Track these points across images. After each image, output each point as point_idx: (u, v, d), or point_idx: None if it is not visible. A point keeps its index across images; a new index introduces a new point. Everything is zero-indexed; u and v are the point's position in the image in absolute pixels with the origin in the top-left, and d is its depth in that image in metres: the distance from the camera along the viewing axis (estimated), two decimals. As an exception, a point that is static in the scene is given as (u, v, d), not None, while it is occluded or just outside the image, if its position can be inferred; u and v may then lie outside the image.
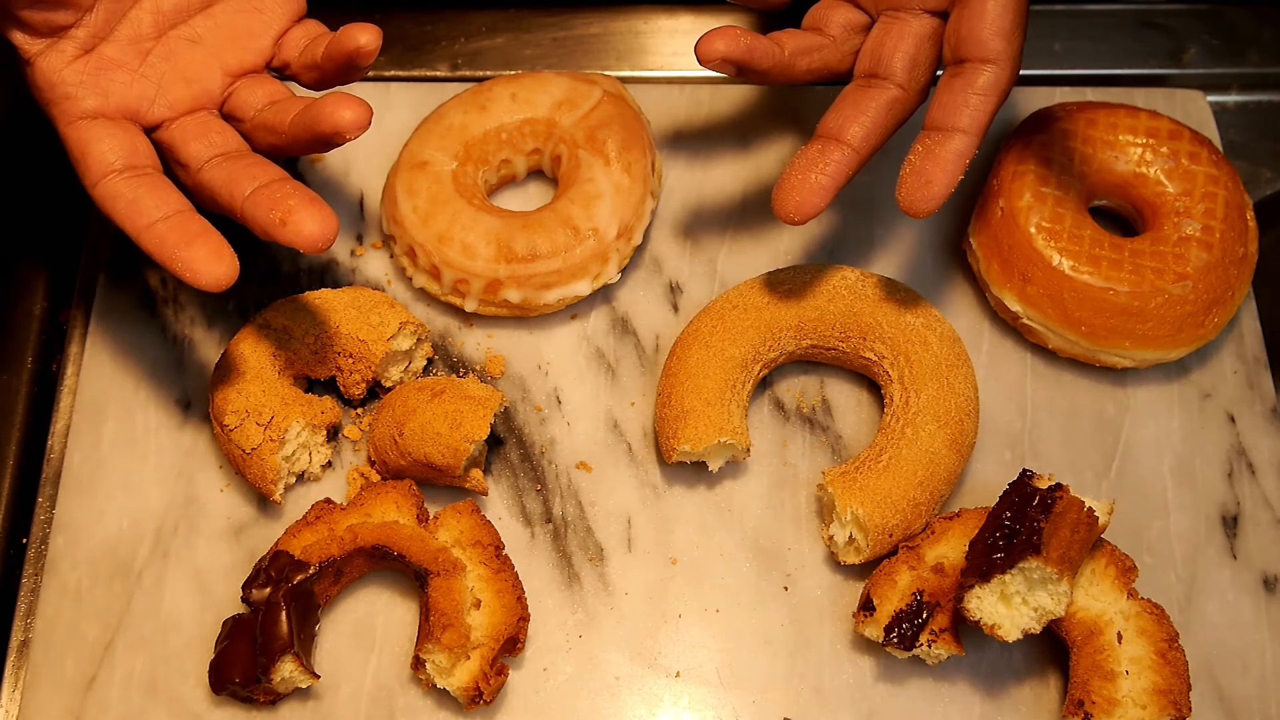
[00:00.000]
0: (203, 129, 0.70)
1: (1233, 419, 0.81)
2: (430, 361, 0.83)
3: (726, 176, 0.89)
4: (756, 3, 0.79)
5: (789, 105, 0.92)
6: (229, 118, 0.72)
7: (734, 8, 0.98)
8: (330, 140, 0.67)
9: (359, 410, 0.81)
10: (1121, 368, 0.81)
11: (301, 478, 0.78)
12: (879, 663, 0.74)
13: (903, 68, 0.73)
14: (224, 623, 0.71)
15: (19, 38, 0.67)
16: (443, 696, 0.72)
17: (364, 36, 0.68)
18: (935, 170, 0.70)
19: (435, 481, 0.76)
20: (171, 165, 0.70)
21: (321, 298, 0.79)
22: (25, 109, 0.90)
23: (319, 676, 0.71)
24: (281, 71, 0.74)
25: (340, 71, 0.70)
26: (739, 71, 0.73)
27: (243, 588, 0.70)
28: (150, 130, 0.70)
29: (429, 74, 0.95)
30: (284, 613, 0.69)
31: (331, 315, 0.77)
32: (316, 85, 0.73)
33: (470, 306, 0.82)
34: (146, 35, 0.70)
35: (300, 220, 0.64)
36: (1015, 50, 0.71)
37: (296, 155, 0.71)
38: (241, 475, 0.76)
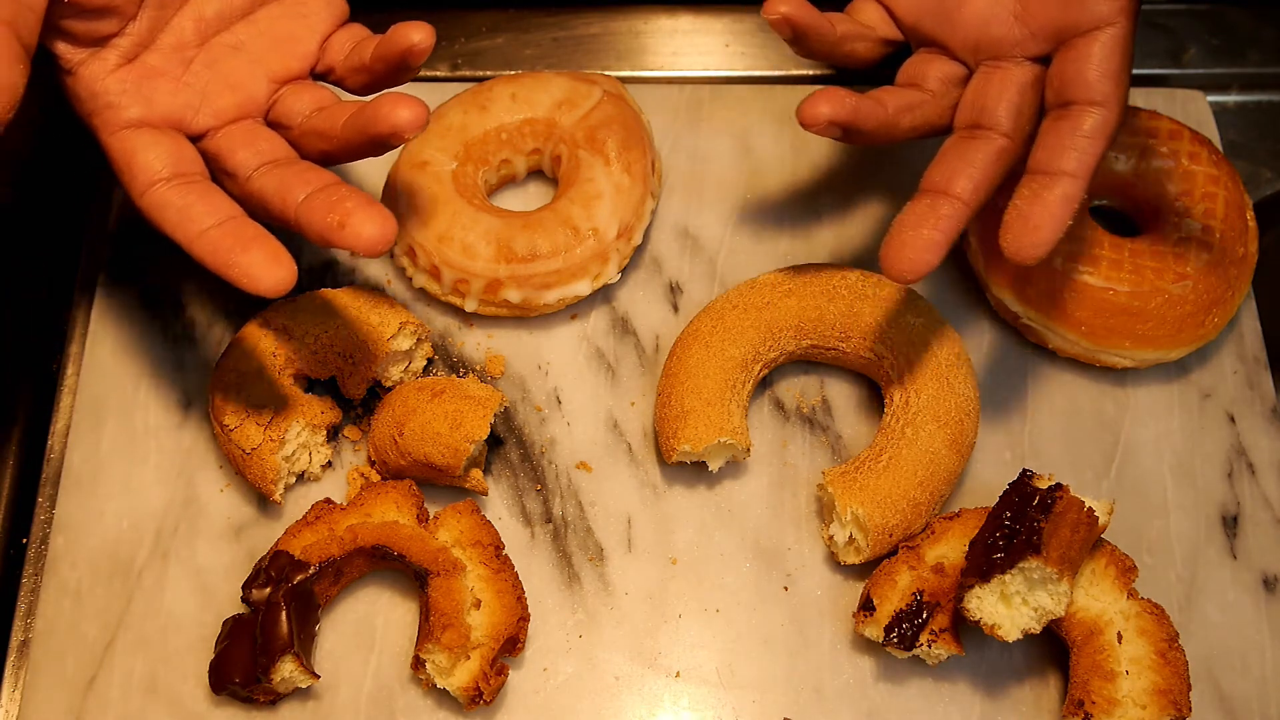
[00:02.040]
0: (249, 137, 0.69)
1: (1233, 419, 0.81)
2: (430, 361, 0.83)
3: (726, 176, 0.89)
4: (844, 62, 0.77)
5: (789, 106, 0.92)
6: (274, 125, 0.71)
7: (735, 9, 0.98)
8: (387, 141, 0.65)
9: (359, 410, 0.81)
10: (1121, 368, 0.81)
11: (301, 478, 0.78)
12: (879, 663, 0.74)
13: (1008, 116, 0.71)
14: (224, 623, 0.71)
15: (61, 47, 0.66)
16: (443, 696, 0.72)
17: (417, 35, 0.66)
18: (1043, 215, 0.67)
19: (435, 481, 0.76)
20: (218, 176, 0.69)
21: (321, 298, 0.79)
22: (25, 109, 0.90)
23: (319, 676, 0.71)
24: (325, 77, 0.73)
25: (391, 72, 0.69)
26: (844, 134, 0.71)
27: (243, 588, 0.70)
28: (195, 140, 0.69)
29: (429, 74, 0.95)
30: (284, 613, 0.69)
31: (331, 315, 0.77)
32: (365, 88, 0.71)
33: (470, 306, 0.82)
34: (189, 43, 0.69)
35: (359, 223, 0.62)
36: (1123, 93, 0.69)
37: (348, 160, 0.69)
38: (241, 475, 0.76)
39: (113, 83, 0.66)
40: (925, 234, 0.68)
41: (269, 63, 0.70)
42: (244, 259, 0.62)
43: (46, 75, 0.91)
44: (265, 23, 0.71)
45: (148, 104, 0.67)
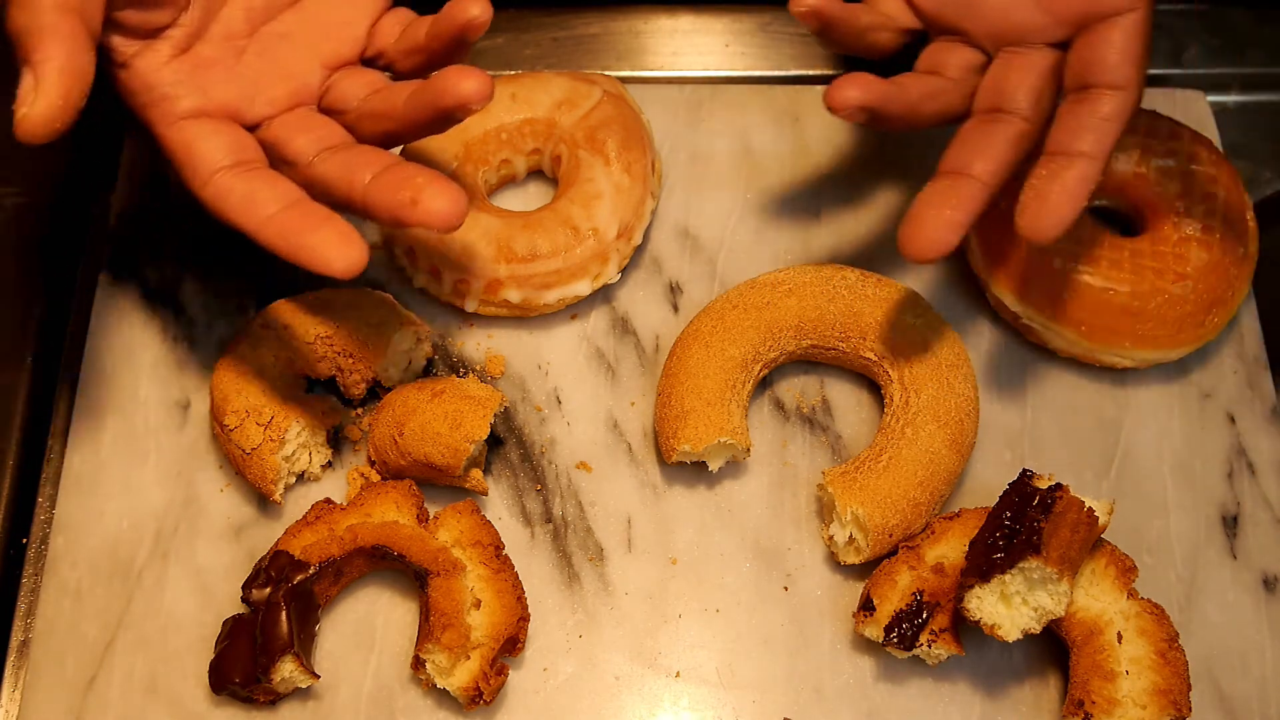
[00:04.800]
0: (306, 124, 0.68)
1: (1233, 419, 0.81)
2: (430, 361, 0.83)
3: (726, 177, 0.89)
4: (866, 53, 0.77)
5: (789, 106, 0.92)
6: (329, 111, 0.70)
7: (735, 9, 0.98)
8: (454, 115, 0.65)
9: (359, 410, 0.81)
10: (1121, 368, 0.81)
11: (301, 478, 0.78)
12: (879, 663, 0.74)
13: (1028, 101, 0.71)
14: (224, 623, 0.71)
15: (115, 40, 0.65)
16: (443, 696, 0.72)
17: (475, 8, 0.65)
18: (1060, 195, 0.68)
19: (435, 481, 0.76)
20: (277, 165, 0.68)
21: (321, 298, 0.79)
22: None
23: (319, 676, 0.71)
24: (374, 61, 0.72)
25: (448, 50, 0.68)
26: (870, 118, 0.71)
27: (243, 588, 0.70)
28: (251, 129, 0.68)
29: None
30: (284, 613, 0.69)
31: (331, 315, 0.77)
32: (418, 70, 0.71)
33: (470, 306, 0.82)
34: (239, 33, 0.69)
35: (430, 198, 0.62)
36: (1142, 77, 0.70)
37: (410, 140, 0.69)
38: (241, 475, 0.76)
39: (167, 74, 0.66)
40: (946, 214, 0.69)
41: (320, 49, 0.70)
42: (314, 240, 0.62)
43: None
44: (312, 10, 0.71)
45: (203, 94, 0.67)
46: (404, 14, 0.72)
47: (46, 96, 0.58)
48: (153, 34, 0.66)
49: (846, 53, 0.77)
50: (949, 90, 0.74)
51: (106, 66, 0.68)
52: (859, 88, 0.70)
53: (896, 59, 0.79)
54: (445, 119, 0.66)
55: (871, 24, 0.76)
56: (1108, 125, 0.69)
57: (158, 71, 0.66)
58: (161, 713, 0.72)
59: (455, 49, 0.68)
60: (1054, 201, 0.68)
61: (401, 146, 0.78)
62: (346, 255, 0.62)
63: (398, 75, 0.72)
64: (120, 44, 0.66)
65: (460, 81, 0.64)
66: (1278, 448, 0.81)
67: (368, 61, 0.73)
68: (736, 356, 0.77)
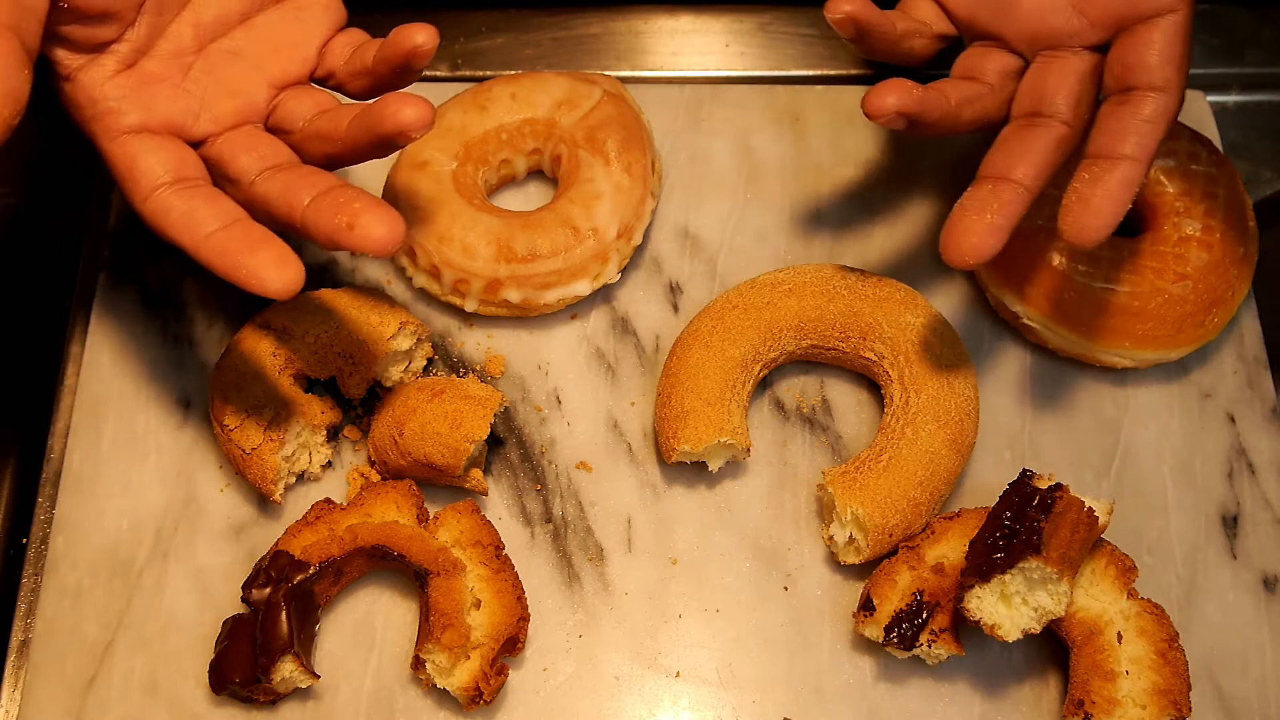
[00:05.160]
0: (251, 142, 0.68)
1: (1233, 419, 0.81)
2: (430, 361, 0.83)
3: (726, 176, 0.89)
4: (903, 60, 0.77)
5: (789, 106, 0.92)
6: (275, 130, 0.70)
7: (735, 9, 0.98)
8: (393, 141, 0.65)
9: (359, 410, 0.81)
10: (1121, 368, 0.81)
11: (301, 478, 0.78)
12: (879, 663, 0.74)
13: (1067, 105, 0.71)
14: (224, 623, 0.71)
15: (59, 54, 0.65)
16: (443, 696, 0.72)
17: (420, 36, 0.66)
18: (1103, 199, 0.67)
19: (435, 481, 0.76)
20: (220, 182, 0.68)
21: (321, 298, 0.79)
22: (27, 112, 0.90)
23: (319, 676, 0.71)
24: (325, 82, 0.72)
25: (395, 75, 0.68)
26: (909, 125, 0.71)
27: (243, 588, 0.70)
28: (195, 146, 0.68)
29: (429, 74, 0.95)
30: (284, 613, 0.69)
31: (331, 315, 0.77)
32: (367, 92, 0.71)
33: (470, 306, 0.82)
34: (187, 49, 0.68)
35: (367, 224, 0.62)
36: (1183, 79, 0.70)
37: (353, 163, 0.69)
38: (241, 475, 0.76)
39: (111, 88, 0.66)
40: (988, 219, 0.69)
41: (268, 68, 0.70)
42: (252, 261, 0.61)
43: (45, 79, 0.91)
44: (263, 28, 0.70)
45: (147, 110, 0.67)
46: (356, 35, 0.72)
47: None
48: (98, 48, 0.66)
49: (881, 59, 0.76)
50: (986, 95, 0.74)
51: (51, 79, 0.67)
52: (897, 94, 0.69)
53: (930, 65, 0.79)
54: (386, 144, 0.66)
55: (907, 30, 0.75)
56: (1150, 127, 0.69)
57: (101, 86, 0.66)
58: (161, 713, 0.72)
59: (402, 74, 0.68)
60: (1097, 205, 0.67)
61: (344, 169, 0.77)
62: (282, 276, 0.61)
63: (350, 96, 0.72)
64: (64, 57, 0.65)
65: (400, 110, 0.64)
66: (1278, 448, 0.81)
67: (320, 81, 0.72)
68: (736, 356, 0.77)
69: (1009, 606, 0.67)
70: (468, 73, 0.95)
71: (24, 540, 0.79)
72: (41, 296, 0.86)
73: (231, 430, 0.74)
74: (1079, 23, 0.72)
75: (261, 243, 0.62)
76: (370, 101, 0.67)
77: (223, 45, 0.69)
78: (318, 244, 0.64)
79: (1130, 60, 0.70)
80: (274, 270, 0.61)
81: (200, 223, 0.63)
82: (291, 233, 0.65)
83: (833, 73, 0.96)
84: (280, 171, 0.67)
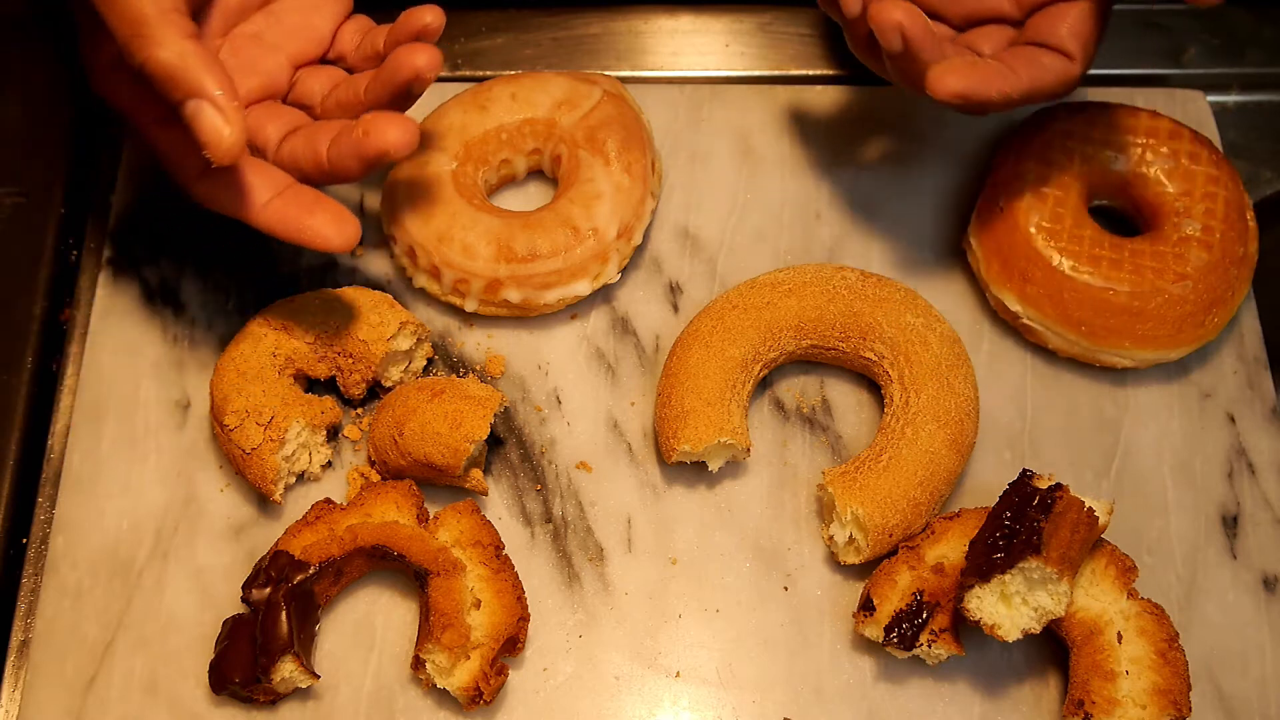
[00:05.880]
0: (274, 112, 0.74)
1: (1233, 419, 0.81)
2: (430, 361, 0.83)
3: (726, 176, 0.89)
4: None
5: (789, 106, 0.92)
6: (296, 105, 0.76)
7: (735, 9, 0.98)
8: (410, 89, 0.70)
9: (359, 410, 0.81)
10: (1121, 368, 0.81)
11: (301, 478, 0.78)
12: (879, 663, 0.74)
13: (990, 48, 0.77)
14: (224, 623, 0.71)
15: (108, 46, 0.68)
16: (443, 696, 0.72)
17: (428, 16, 0.71)
18: (974, 76, 0.69)
19: (435, 481, 0.76)
20: (251, 153, 0.72)
21: (321, 298, 0.79)
22: (26, 112, 0.90)
23: (319, 676, 0.71)
24: (336, 64, 0.77)
25: (398, 94, 0.72)
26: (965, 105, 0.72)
27: (243, 588, 0.70)
28: None
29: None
30: (284, 613, 0.69)
31: (331, 315, 0.77)
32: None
33: (470, 306, 0.82)
34: (215, 33, 0.73)
35: (382, 128, 0.68)
36: (1087, 56, 0.74)
37: None
38: (241, 475, 0.76)
39: None
40: (971, 64, 0.70)
41: (287, 48, 0.76)
42: (312, 222, 0.68)
43: (43, 77, 0.91)
44: (280, 13, 0.76)
45: None
46: (364, 20, 0.78)
47: (235, 122, 0.63)
48: None
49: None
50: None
51: (94, 69, 0.71)
52: (959, 75, 0.70)
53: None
54: (404, 95, 0.71)
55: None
56: (1041, 70, 0.72)
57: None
58: (161, 713, 0.72)
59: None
60: (965, 73, 0.69)
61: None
62: (342, 232, 0.68)
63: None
64: (111, 47, 0.67)
65: (413, 56, 0.70)
66: (1278, 448, 0.81)
67: (331, 64, 0.78)
68: (736, 356, 0.77)
69: (1009, 606, 0.67)
70: (468, 73, 0.95)
71: (24, 540, 0.79)
72: (42, 296, 0.86)
73: (231, 430, 0.74)
74: (1008, 5, 0.77)
75: (316, 204, 0.68)
76: (383, 64, 0.72)
77: (244, 29, 0.75)
78: (344, 170, 0.69)
79: (1043, 30, 0.74)
80: (334, 228, 0.68)
81: (255, 193, 0.68)
82: (323, 181, 0.71)
83: (833, 73, 0.96)
84: (303, 129, 0.73)
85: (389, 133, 0.68)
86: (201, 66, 0.63)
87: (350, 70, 0.77)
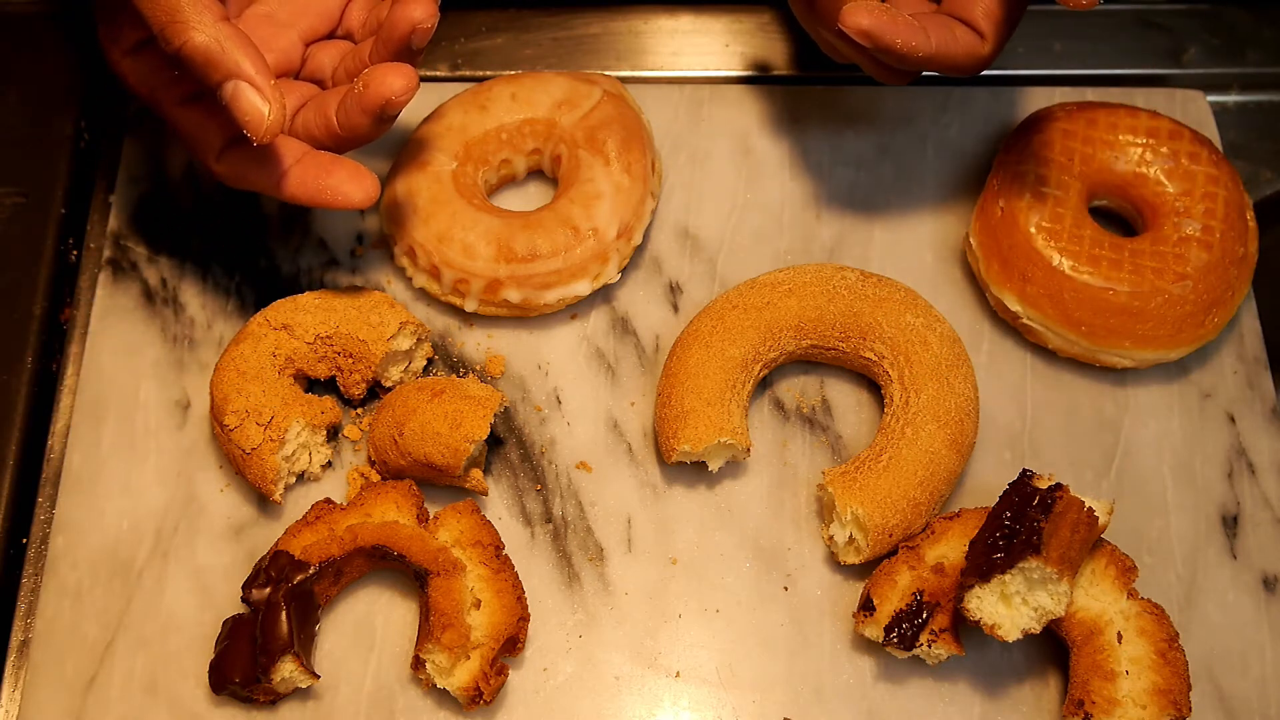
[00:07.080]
0: (288, 89, 0.76)
1: (1233, 419, 0.81)
2: (430, 361, 0.83)
3: (726, 176, 0.89)
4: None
5: (789, 106, 0.92)
6: (309, 80, 0.79)
7: (735, 9, 0.98)
8: (411, 42, 0.72)
9: (359, 410, 0.81)
10: (1121, 368, 0.81)
11: (301, 478, 0.78)
12: (879, 663, 0.74)
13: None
14: (224, 623, 0.71)
15: (125, 31, 0.70)
16: (443, 696, 0.72)
17: (418, 12, 0.72)
18: (884, 14, 0.70)
19: (435, 481, 0.76)
20: None
21: (321, 298, 0.79)
22: (27, 112, 0.90)
23: (319, 676, 0.71)
24: (345, 40, 0.80)
25: (399, 49, 0.74)
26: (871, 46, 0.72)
27: (243, 588, 0.70)
28: None
29: (429, 74, 0.95)
30: (284, 613, 0.69)
31: (331, 315, 0.77)
32: (379, 51, 0.76)
33: (470, 306, 0.82)
34: (231, 15, 0.75)
35: (381, 77, 0.70)
36: (999, 37, 0.74)
37: None
38: (241, 475, 0.76)
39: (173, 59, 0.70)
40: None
41: (298, 25, 0.79)
42: (332, 181, 0.71)
43: (43, 77, 0.91)
44: None
45: None
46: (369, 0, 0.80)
47: (274, 100, 0.66)
48: None
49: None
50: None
51: (115, 55, 0.72)
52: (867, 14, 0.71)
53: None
54: (406, 50, 0.73)
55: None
56: (953, 42, 0.72)
57: (164, 58, 0.69)
58: (161, 713, 0.72)
59: (407, 51, 0.75)
60: (876, 10, 0.70)
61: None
62: (362, 187, 0.71)
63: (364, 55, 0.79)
64: (129, 34, 0.70)
65: (410, 9, 0.71)
66: (1278, 448, 0.81)
67: (337, 38, 0.80)
68: (736, 356, 0.77)
69: (1009, 606, 0.67)
70: (468, 73, 0.95)
71: (24, 540, 0.79)
72: (42, 296, 0.86)
73: (231, 430, 0.74)
74: None
75: (333, 164, 0.72)
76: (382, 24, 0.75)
77: (257, 9, 0.78)
78: (357, 136, 0.72)
79: (959, 5, 0.74)
80: (353, 184, 0.71)
81: (275, 163, 0.71)
82: (338, 144, 0.73)
83: (832, 73, 0.96)
84: (314, 100, 0.75)
85: (389, 80, 0.70)
86: (238, 48, 0.65)
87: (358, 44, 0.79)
